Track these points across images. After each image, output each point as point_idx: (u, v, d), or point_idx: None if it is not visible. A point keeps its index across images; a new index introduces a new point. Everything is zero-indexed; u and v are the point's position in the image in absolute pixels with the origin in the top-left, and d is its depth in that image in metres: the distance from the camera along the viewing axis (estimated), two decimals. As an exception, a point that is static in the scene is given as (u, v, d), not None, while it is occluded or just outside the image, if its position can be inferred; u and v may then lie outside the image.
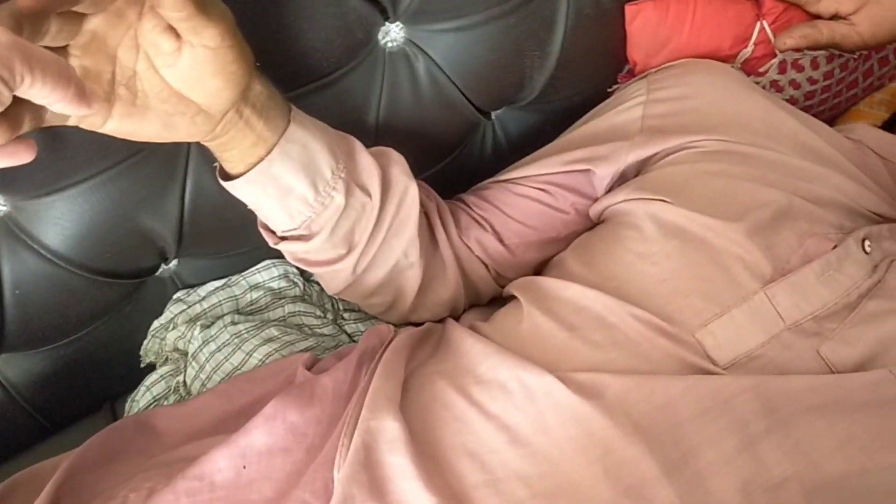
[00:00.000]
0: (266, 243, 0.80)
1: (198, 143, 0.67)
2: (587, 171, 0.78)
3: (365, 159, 0.69)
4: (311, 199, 0.65)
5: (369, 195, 0.69)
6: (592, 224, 0.80)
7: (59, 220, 0.65)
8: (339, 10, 0.65)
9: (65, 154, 0.61)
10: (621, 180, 0.78)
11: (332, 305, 0.84)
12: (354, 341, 0.81)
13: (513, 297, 0.74)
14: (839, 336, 0.64)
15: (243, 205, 0.73)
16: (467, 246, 0.80)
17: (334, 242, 0.69)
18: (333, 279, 0.74)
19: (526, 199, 0.81)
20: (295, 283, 0.82)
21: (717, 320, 0.64)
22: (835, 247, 0.67)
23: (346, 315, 0.84)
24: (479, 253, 0.80)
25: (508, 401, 0.62)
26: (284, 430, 0.62)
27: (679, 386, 0.60)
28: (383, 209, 0.70)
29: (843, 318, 0.65)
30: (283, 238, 0.69)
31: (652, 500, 0.57)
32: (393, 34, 0.72)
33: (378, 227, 0.71)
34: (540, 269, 0.83)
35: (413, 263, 0.75)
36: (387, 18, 0.71)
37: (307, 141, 0.64)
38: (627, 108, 0.80)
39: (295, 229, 0.67)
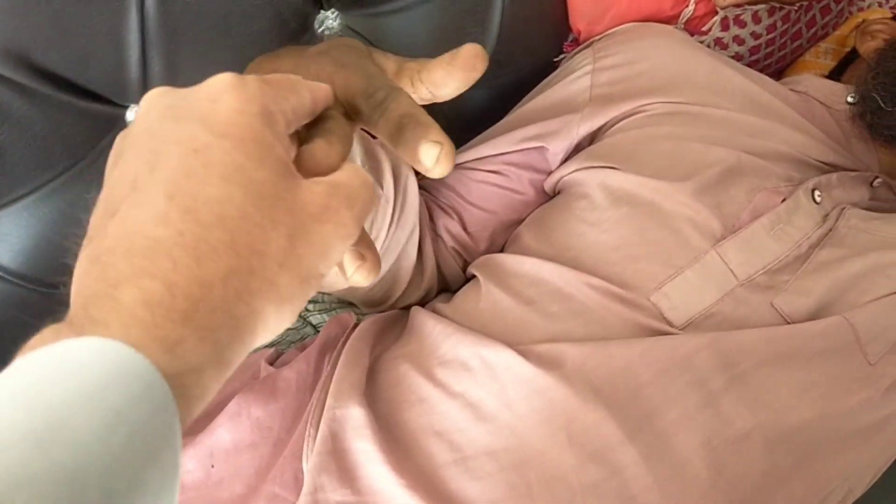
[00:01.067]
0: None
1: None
2: (541, 147, 0.78)
3: (375, 149, 0.66)
4: None
5: (382, 187, 0.67)
6: (549, 198, 0.81)
7: (6, 237, 0.65)
8: (271, 1, 0.65)
9: (3, 170, 0.60)
10: (575, 152, 0.78)
11: (296, 298, 0.84)
12: (319, 331, 0.81)
13: (473, 277, 0.75)
14: (792, 287, 0.65)
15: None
16: (440, 236, 0.80)
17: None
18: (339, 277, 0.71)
19: (483, 184, 0.80)
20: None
21: (670, 282, 0.64)
22: (784, 200, 0.68)
23: (309, 306, 0.84)
24: (450, 242, 0.79)
25: (471, 378, 0.62)
26: (250, 426, 0.62)
27: (637, 349, 0.61)
28: (395, 201, 0.68)
29: (796, 270, 0.66)
30: None
31: (617, 463, 0.57)
32: (329, 22, 0.71)
33: (391, 220, 0.68)
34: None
35: (410, 255, 0.74)
36: (321, 7, 0.70)
37: (354, 137, 0.60)
38: (575, 79, 0.80)
39: None
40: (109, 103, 0.64)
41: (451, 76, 0.42)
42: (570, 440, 0.58)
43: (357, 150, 0.60)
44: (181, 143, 0.32)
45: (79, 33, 0.57)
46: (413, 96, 0.42)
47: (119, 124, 0.65)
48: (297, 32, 0.69)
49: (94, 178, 0.65)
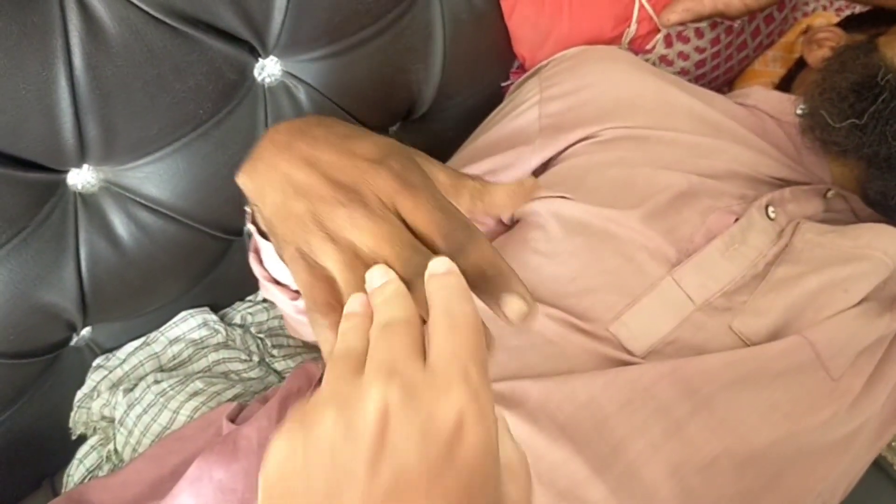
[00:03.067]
0: (178, 295, 0.79)
1: (85, 212, 0.67)
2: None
3: None
4: None
5: None
6: (506, 228, 0.80)
7: (-48, 308, 0.64)
8: (204, 56, 0.64)
9: (-58, 247, 0.59)
10: (528, 181, 0.78)
11: (258, 346, 0.83)
12: (285, 378, 0.80)
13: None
14: (750, 308, 0.65)
15: (145, 265, 0.72)
16: None
17: None
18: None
19: None
20: (216, 330, 0.81)
21: (628, 311, 0.64)
22: (737, 219, 0.68)
23: (274, 352, 0.83)
24: None
25: (435, 422, 0.61)
26: (213, 490, 0.61)
27: (599, 381, 0.60)
28: None
29: (754, 289, 0.66)
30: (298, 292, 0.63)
31: (586, 499, 0.57)
32: (269, 69, 0.70)
33: None
34: None
35: None
36: (258, 55, 0.69)
37: None
38: (523, 110, 0.79)
39: None
40: (47, 170, 0.63)
41: (513, 204, 0.43)
42: (538, 479, 0.58)
43: None
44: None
45: (7, 106, 0.56)
46: (463, 208, 0.42)
47: (59, 190, 0.64)
48: (237, 83, 0.68)
49: (38, 246, 0.64)
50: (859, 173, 0.72)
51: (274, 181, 0.44)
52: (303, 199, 0.42)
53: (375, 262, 0.38)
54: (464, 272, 0.36)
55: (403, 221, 0.40)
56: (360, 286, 0.38)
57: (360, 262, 0.39)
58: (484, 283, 0.37)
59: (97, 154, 0.64)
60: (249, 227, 0.57)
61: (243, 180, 0.47)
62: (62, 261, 0.67)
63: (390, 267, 0.38)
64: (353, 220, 0.39)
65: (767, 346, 0.63)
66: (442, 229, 0.39)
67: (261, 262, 0.64)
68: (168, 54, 0.61)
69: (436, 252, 0.39)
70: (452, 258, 0.37)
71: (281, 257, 0.44)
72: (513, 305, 0.36)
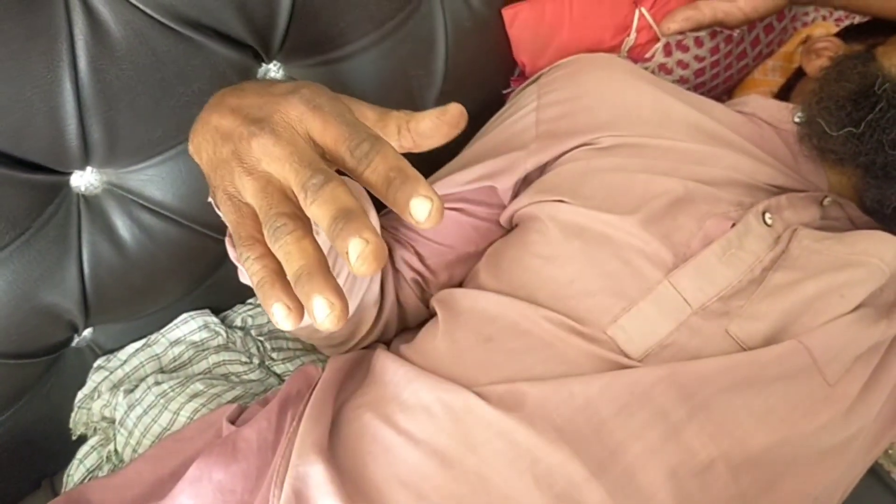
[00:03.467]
0: (179, 297, 0.79)
1: (88, 213, 0.67)
2: (490, 185, 0.78)
3: None
4: None
5: None
6: (506, 230, 0.81)
7: (-45, 311, 0.64)
8: (208, 60, 0.64)
9: (-55, 246, 0.60)
10: (525, 184, 0.78)
11: (258, 348, 0.84)
12: (284, 380, 0.81)
13: (435, 315, 0.75)
14: (747, 312, 0.65)
15: (147, 267, 0.72)
16: (397, 269, 0.80)
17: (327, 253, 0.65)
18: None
19: None
20: (217, 332, 0.82)
21: (625, 315, 0.65)
22: (734, 225, 0.68)
23: (274, 355, 0.83)
24: (409, 274, 0.80)
25: (434, 424, 0.62)
26: (212, 490, 0.62)
27: (596, 385, 0.61)
28: None
29: (751, 294, 0.66)
30: None
31: (584, 502, 0.58)
32: (272, 74, 0.71)
33: None
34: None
35: (373, 291, 0.74)
36: (262, 60, 0.70)
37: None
38: (521, 116, 0.80)
39: None
40: (51, 172, 0.63)
41: (438, 129, 0.43)
42: (536, 482, 0.58)
43: None
44: None
45: (12, 108, 0.57)
46: (394, 144, 0.43)
47: (62, 191, 0.65)
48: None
49: (41, 247, 0.65)
50: (856, 181, 0.73)
51: (206, 135, 0.47)
52: (227, 142, 0.44)
53: (286, 187, 0.41)
54: (372, 182, 0.39)
55: (317, 145, 0.42)
56: (276, 211, 0.40)
57: (274, 189, 0.41)
58: (392, 191, 0.38)
59: (101, 156, 0.64)
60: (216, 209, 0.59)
61: (189, 148, 0.50)
62: (65, 262, 0.67)
63: (292, 186, 0.40)
64: (264, 148, 0.42)
65: (764, 351, 0.63)
66: (348, 143, 0.40)
67: (234, 245, 0.65)
68: (172, 58, 0.62)
69: (344, 166, 0.41)
70: (359, 169, 0.39)
71: (218, 207, 0.46)
72: (418, 208, 0.37)
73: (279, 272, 0.39)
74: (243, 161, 0.43)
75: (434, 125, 0.43)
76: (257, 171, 0.42)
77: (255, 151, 0.42)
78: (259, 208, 0.41)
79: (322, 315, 0.36)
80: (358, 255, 0.36)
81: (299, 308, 0.39)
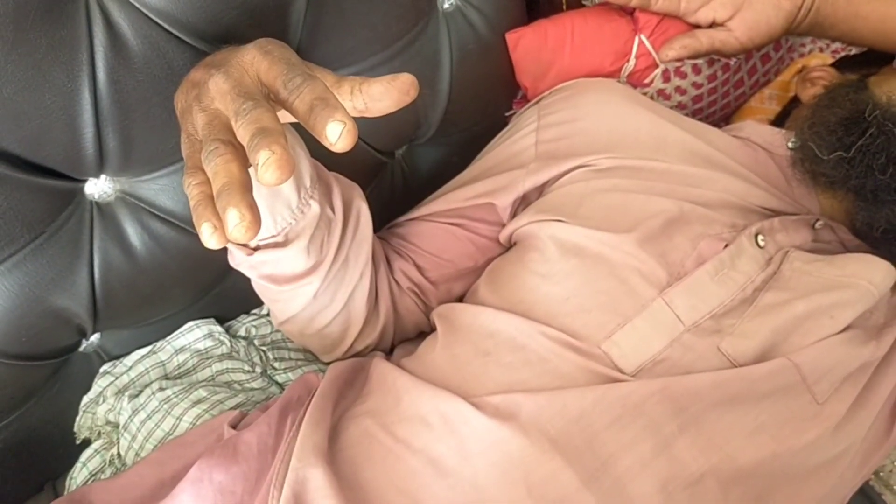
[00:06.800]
0: (186, 305, 0.81)
1: (101, 220, 0.69)
2: (489, 203, 0.81)
3: (326, 174, 0.70)
4: (294, 204, 0.63)
5: (333, 210, 0.69)
6: (505, 248, 0.83)
7: (-33, 313, 0.66)
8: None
9: (-38, 247, 0.61)
10: (524, 203, 0.80)
11: (261, 358, 0.85)
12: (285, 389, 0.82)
13: (434, 328, 0.76)
14: (738, 331, 0.67)
15: (156, 274, 0.74)
16: (395, 279, 0.82)
17: (308, 251, 0.67)
18: (291, 302, 0.72)
19: (438, 235, 0.83)
20: (221, 342, 0.83)
21: (619, 331, 0.66)
22: (727, 246, 0.70)
23: (276, 364, 0.85)
24: (406, 284, 0.82)
25: (431, 434, 0.63)
26: (213, 491, 0.63)
27: (590, 397, 0.62)
28: (346, 226, 0.71)
29: (742, 313, 0.68)
30: (256, 249, 0.66)
31: (576, 511, 0.59)
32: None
33: (341, 245, 0.71)
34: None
35: (364, 289, 0.76)
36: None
37: (295, 144, 0.64)
38: (521, 136, 0.82)
39: (274, 236, 0.64)
40: (67, 179, 0.65)
41: (387, 94, 0.46)
42: (529, 491, 0.60)
43: (301, 153, 0.64)
44: None
45: (33, 115, 0.59)
46: (348, 104, 0.46)
47: (76, 198, 0.67)
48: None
49: (53, 251, 0.67)
50: (847, 204, 0.75)
51: (183, 88, 0.55)
52: (194, 89, 0.51)
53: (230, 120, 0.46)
54: (299, 111, 0.43)
55: (263, 85, 0.48)
56: (213, 137, 0.46)
57: (220, 122, 0.47)
58: (313, 116, 0.42)
59: (115, 165, 0.66)
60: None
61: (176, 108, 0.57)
62: (76, 267, 0.69)
63: (229, 115, 0.47)
64: (217, 86, 0.49)
65: (754, 368, 0.65)
66: (283, 77, 0.46)
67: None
68: (187, 71, 0.63)
69: (278, 98, 0.46)
70: (290, 99, 0.44)
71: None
72: (330, 129, 0.41)
73: (213, 196, 0.44)
74: (201, 101, 0.49)
75: (385, 89, 0.46)
76: (210, 109, 0.49)
77: (211, 91, 0.49)
78: (203, 138, 0.47)
79: (232, 224, 0.41)
80: (263, 162, 0.40)
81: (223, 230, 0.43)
